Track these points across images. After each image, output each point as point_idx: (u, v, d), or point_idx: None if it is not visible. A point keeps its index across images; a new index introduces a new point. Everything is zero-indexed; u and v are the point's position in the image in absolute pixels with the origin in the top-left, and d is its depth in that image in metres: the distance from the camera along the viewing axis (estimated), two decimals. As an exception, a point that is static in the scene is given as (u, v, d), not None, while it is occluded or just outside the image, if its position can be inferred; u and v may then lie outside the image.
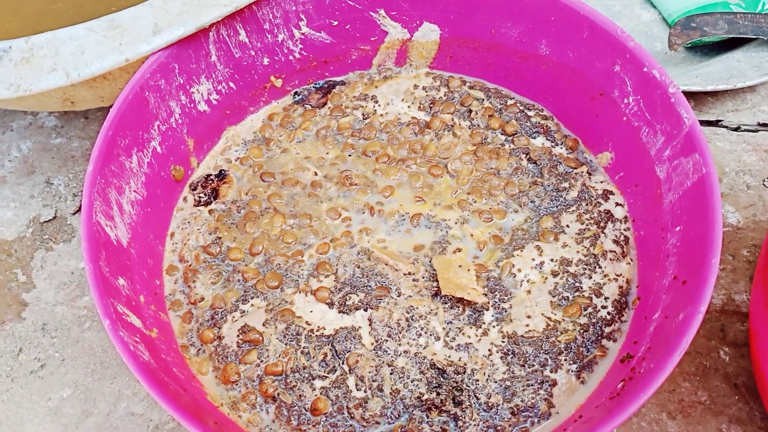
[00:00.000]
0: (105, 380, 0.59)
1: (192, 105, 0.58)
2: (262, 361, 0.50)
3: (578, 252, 0.55)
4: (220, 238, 0.56)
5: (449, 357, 0.50)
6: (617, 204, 0.58)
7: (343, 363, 0.50)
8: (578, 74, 0.60)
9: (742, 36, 0.73)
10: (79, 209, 0.68)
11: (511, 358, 0.50)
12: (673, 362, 0.41)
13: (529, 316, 0.52)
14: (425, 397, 0.48)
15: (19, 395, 0.58)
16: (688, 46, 0.76)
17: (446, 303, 0.52)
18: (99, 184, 0.48)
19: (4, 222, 0.67)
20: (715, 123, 0.66)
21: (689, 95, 0.70)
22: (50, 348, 0.60)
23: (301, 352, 0.50)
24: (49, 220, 0.67)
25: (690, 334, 0.42)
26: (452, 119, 0.63)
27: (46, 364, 0.60)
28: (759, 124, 0.65)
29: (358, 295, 0.53)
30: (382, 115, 0.64)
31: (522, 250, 0.55)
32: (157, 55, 0.54)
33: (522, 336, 0.51)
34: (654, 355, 0.44)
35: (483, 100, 0.64)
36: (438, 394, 0.48)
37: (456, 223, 0.57)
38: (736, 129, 0.66)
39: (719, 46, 0.76)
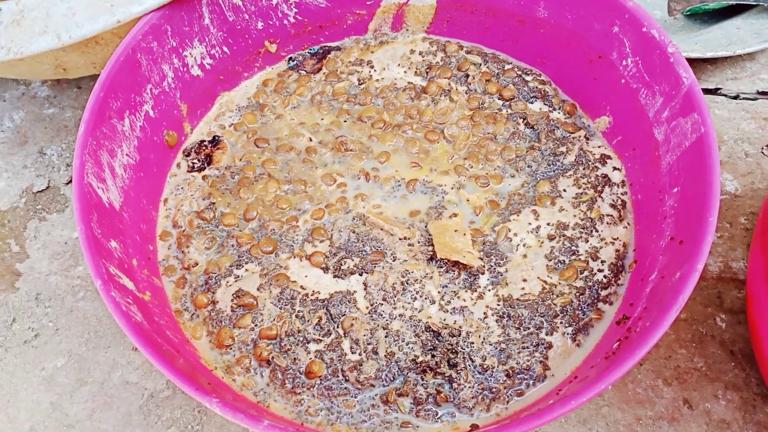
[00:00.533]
0: (99, 349, 0.58)
1: (185, 69, 0.58)
2: (256, 325, 0.50)
3: (575, 216, 0.54)
4: (214, 203, 0.56)
5: (444, 320, 0.50)
6: (615, 168, 0.57)
7: (338, 326, 0.49)
8: (576, 37, 0.59)
9: (742, 3, 0.73)
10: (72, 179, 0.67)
11: (507, 321, 0.50)
12: (669, 319, 0.40)
13: (525, 280, 0.51)
14: (420, 359, 0.48)
15: (13, 365, 0.58)
16: (688, 13, 0.75)
17: (442, 267, 0.52)
18: (90, 146, 0.47)
19: (-3, 192, 0.67)
20: (714, 91, 0.66)
21: (688, 63, 0.70)
22: (44, 318, 0.60)
23: (296, 316, 0.50)
24: (42, 190, 0.67)
25: (686, 292, 0.41)
26: (449, 84, 0.62)
27: (40, 334, 0.59)
28: (758, 92, 0.65)
29: (353, 260, 0.52)
30: (377, 80, 0.63)
31: (518, 215, 0.55)
32: (150, 16, 0.53)
33: (517, 299, 0.50)
34: (650, 314, 0.44)
35: (480, 64, 0.64)
36: (433, 356, 0.48)
37: (452, 188, 0.56)
38: (735, 97, 0.66)
39: (719, 14, 0.75)
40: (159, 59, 0.55)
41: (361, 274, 0.52)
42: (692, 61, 0.70)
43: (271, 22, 0.62)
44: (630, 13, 0.54)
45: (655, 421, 0.53)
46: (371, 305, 0.50)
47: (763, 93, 0.64)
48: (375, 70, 0.64)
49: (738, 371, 0.55)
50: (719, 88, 0.65)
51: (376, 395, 0.47)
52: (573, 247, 0.53)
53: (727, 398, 0.54)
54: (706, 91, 0.65)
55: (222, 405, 0.37)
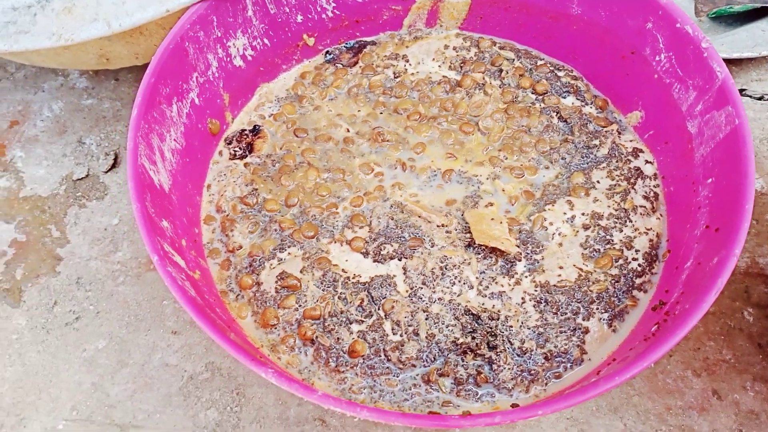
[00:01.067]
0: (139, 332, 0.60)
1: (228, 59, 0.59)
2: (300, 306, 0.51)
3: (609, 206, 0.56)
4: (256, 189, 0.57)
5: (483, 304, 0.51)
6: (647, 162, 0.58)
7: (379, 309, 0.51)
8: (609, 33, 0.60)
9: (767, 5, 0.74)
10: (112, 167, 0.69)
11: (544, 306, 0.51)
12: (709, 301, 0.41)
13: (561, 267, 0.53)
14: (460, 341, 0.49)
15: (55, 346, 0.59)
16: (713, 16, 0.77)
17: (479, 254, 0.53)
18: (143, 129, 0.49)
19: (37, 179, 0.68)
20: (739, 92, 0.67)
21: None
22: (85, 301, 0.61)
23: (338, 298, 0.51)
24: (82, 178, 0.68)
25: (725, 275, 0.42)
26: (483, 78, 0.64)
27: (81, 316, 0.61)
28: (782, 94, 0.66)
29: (392, 246, 0.53)
30: (413, 74, 0.65)
31: (553, 205, 0.56)
32: (197, 6, 0.55)
33: (554, 285, 0.52)
34: (688, 298, 0.45)
35: (513, 60, 0.65)
36: (473, 338, 0.49)
37: (487, 178, 0.58)
38: (760, 98, 0.67)
39: (744, 17, 0.77)
40: (205, 48, 0.56)
41: (400, 259, 0.53)
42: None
43: (310, 16, 0.64)
44: (664, 10, 0.55)
45: (685, 411, 0.55)
46: (411, 289, 0.51)
47: (787, 94, 0.65)
48: (410, 64, 0.66)
49: (766, 363, 0.56)
50: (744, 89, 0.66)
51: (417, 375, 0.48)
52: (608, 237, 0.54)
53: (756, 390, 0.55)
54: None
55: (277, 375, 0.39)
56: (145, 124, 0.49)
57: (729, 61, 0.72)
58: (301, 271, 0.52)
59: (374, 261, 0.53)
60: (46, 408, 0.56)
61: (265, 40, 0.62)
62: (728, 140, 0.50)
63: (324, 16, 0.64)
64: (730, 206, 0.46)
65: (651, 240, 0.54)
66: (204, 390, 0.56)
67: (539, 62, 0.65)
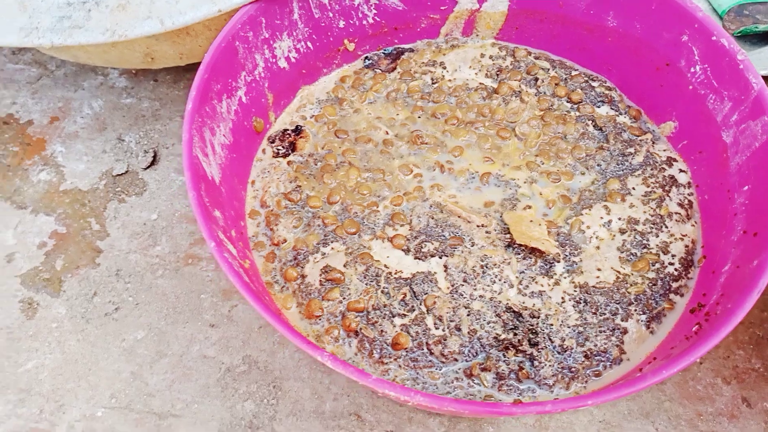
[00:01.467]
0: (178, 324, 0.61)
1: (274, 60, 0.61)
2: (344, 299, 0.52)
3: (645, 212, 0.57)
4: (299, 186, 0.58)
5: (523, 303, 0.52)
6: (681, 170, 0.60)
7: (421, 304, 0.52)
8: (644, 45, 0.62)
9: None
10: (151, 165, 0.70)
11: (583, 306, 0.52)
12: (752, 300, 0.43)
13: (599, 269, 0.54)
14: (502, 337, 0.50)
15: (94, 335, 0.60)
16: (738, 35, 0.78)
17: (519, 254, 0.54)
18: (196, 122, 0.50)
19: (77, 174, 0.70)
20: None
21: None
22: (124, 292, 0.62)
23: (381, 292, 0.52)
24: (121, 174, 0.70)
25: (766, 276, 0.43)
26: (519, 86, 0.65)
27: (120, 307, 0.62)
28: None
29: (432, 244, 0.55)
30: (450, 80, 0.66)
31: (590, 209, 0.57)
32: (248, 7, 0.56)
33: (593, 286, 0.53)
34: (728, 299, 0.46)
35: (548, 69, 0.67)
36: (515, 334, 0.50)
37: (525, 182, 0.59)
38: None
39: (769, 38, 0.78)
40: (253, 48, 0.58)
41: (441, 257, 0.54)
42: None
43: (351, 22, 0.65)
44: (700, 23, 0.57)
45: (716, 417, 0.55)
46: (452, 286, 0.52)
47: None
48: (447, 71, 0.67)
49: (794, 372, 0.57)
50: None
51: (459, 369, 0.49)
52: (644, 241, 0.55)
53: (785, 399, 0.56)
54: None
55: (333, 359, 0.40)
56: (199, 118, 0.50)
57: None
58: (344, 266, 0.53)
59: (415, 258, 0.54)
60: (85, 395, 0.57)
61: (309, 44, 0.63)
62: (765, 148, 0.51)
63: (365, 22, 0.66)
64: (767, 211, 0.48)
65: (686, 246, 0.55)
66: (241, 382, 0.57)
67: (573, 72, 0.66)
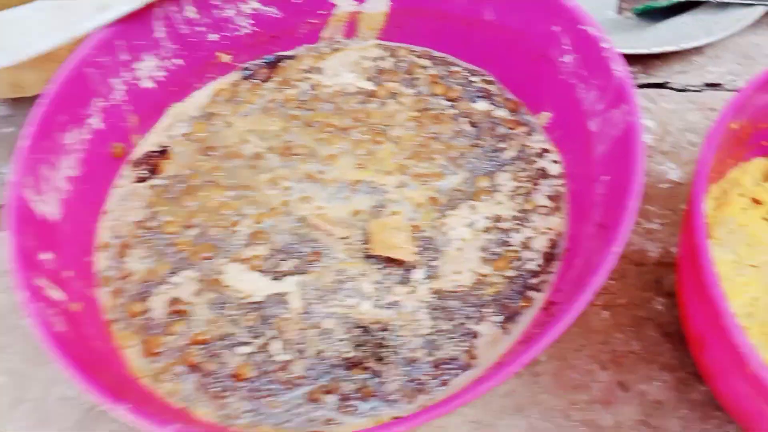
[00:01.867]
0: (39, 366, 0.57)
1: (136, 82, 0.59)
2: (190, 330, 0.50)
3: (511, 208, 0.55)
4: (156, 212, 0.56)
5: (376, 316, 0.50)
6: (554, 161, 0.58)
7: (270, 328, 0.50)
8: (521, 37, 0.60)
9: (691, 0, 0.74)
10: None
11: (439, 313, 0.50)
12: (583, 301, 0.41)
13: (457, 272, 0.52)
14: (350, 354, 0.48)
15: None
16: (639, 12, 0.76)
17: (378, 264, 0.53)
18: (30, 160, 0.49)
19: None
20: (662, 85, 0.67)
21: (637, 58, 0.71)
22: (-13, 337, 0.60)
23: (230, 320, 0.50)
24: (-2, 207, 0.68)
25: (600, 274, 0.41)
26: (398, 87, 0.63)
27: (-18, 354, 0.59)
28: (705, 85, 0.65)
29: (291, 262, 0.53)
30: (328, 86, 0.65)
31: (455, 210, 0.55)
32: (100, 32, 0.54)
33: (449, 291, 0.51)
34: (568, 297, 0.44)
35: (428, 67, 0.65)
36: (363, 351, 0.48)
37: (396, 187, 0.57)
38: (682, 90, 0.67)
39: (671, 13, 0.76)
40: (109, 73, 0.56)
41: (300, 275, 0.52)
42: (641, 57, 0.71)
43: (225, 34, 0.63)
44: (569, 12, 0.55)
45: (590, 405, 0.53)
46: (305, 305, 0.51)
47: (710, 85, 0.64)
48: (326, 77, 0.66)
49: (673, 352, 0.55)
50: (667, 82, 0.66)
51: (304, 393, 0.47)
52: (506, 239, 0.53)
53: (662, 379, 0.54)
54: (655, 86, 0.66)
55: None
56: (35, 155, 0.49)
57: (653, 55, 0.72)
58: (193, 294, 0.52)
59: (273, 279, 0.52)
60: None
61: (177, 61, 0.62)
62: (622, 137, 0.49)
63: (239, 33, 0.65)
64: (619, 203, 0.46)
65: (551, 239, 0.53)
66: (102, 422, 0.54)
67: (454, 68, 0.65)
